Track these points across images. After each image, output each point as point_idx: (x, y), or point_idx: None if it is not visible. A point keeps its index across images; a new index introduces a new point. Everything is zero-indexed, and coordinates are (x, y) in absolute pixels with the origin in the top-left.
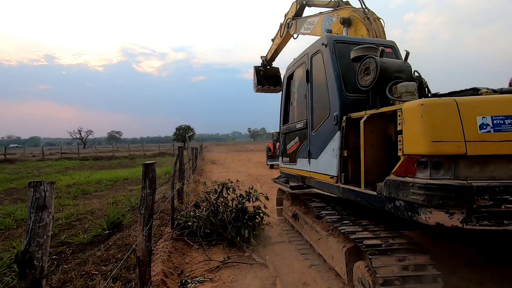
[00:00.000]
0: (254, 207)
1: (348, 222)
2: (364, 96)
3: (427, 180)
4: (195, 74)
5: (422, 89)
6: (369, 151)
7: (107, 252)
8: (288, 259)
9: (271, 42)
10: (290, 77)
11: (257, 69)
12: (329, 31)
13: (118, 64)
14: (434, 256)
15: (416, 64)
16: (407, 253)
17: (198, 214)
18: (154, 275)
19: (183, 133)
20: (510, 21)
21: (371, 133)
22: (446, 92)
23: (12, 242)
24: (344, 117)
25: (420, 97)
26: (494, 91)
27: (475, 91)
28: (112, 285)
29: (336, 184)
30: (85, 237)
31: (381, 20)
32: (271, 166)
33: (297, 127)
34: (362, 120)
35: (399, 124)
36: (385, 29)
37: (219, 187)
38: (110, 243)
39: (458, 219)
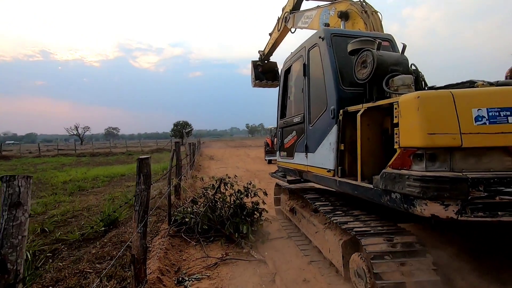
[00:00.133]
0: (252, 202)
1: (341, 212)
2: (361, 90)
3: (422, 172)
4: (192, 69)
5: (419, 82)
6: (366, 145)
7: (102, 250)
8: (288, 255)
9: (269, 37)
10: (287, 71)
11: (254, 64)
12: (327, 25)
13: (115, 60)
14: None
15: (415, 59)
16: (394, 235)
17: (195, 210)
18: (150, 273)
19: (181, 129)
20: (508, 14)
21: (367, 126)
22: (443, 85)
23: None
24: (341, 110)
25: (417, 90)
26: (491, 84)
27: (471, 84)
28: (107, 283)
29: (333, 177)
30: (81, 234)
31: (378, 13)
32: (269, 162)
33: (294, 121)
34: (359, 114)
35: (396, 117)
36: (383, 23)
37: (216, 182)
38: (105, 240)
39: (453, 210)
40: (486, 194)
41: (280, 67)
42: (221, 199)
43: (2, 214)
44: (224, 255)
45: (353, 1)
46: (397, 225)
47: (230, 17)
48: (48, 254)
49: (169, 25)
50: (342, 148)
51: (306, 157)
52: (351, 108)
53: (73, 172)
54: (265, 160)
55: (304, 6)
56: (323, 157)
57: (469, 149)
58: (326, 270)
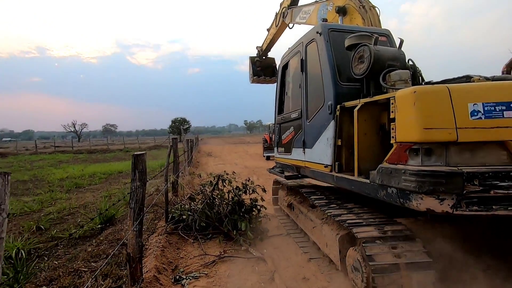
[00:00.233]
0: (251, 199)
1: (335, 206)
2: (358, 85)
3: (418, 167)
4: (190, 66)
5: (416, 77)
6: (363, 140)
7: (98, 248)
8: (287, 253)
9: (267, 32)
10: (285, 67)
11: (252, 60)
12: (325, 20)
13: (112, 56)
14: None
15: (413, 54)
16: (384, 225)
17: (193, 207)
18: (147, 271)
19: (179, 126)
20: (506, 9)
21: (364, 121)
22: (440, 80)
23: None
24: (338, 106)
25: (414, 85)
26: (487, 79)
27: (467, 79)
28: (102, 282)
29: (330, 173)
30: (77, 231)
31: (376, 8)
32: (268, 158)
33: (292, 117)
34: (356, 109)
35: (392, 112)
36: (380, 18)
37: (214, 179)
38: (101, 238)
39: (448, 204)
40: (481, 188)
41: (278, 63)
42: (219, 196)
43: None
44: (222, 253)
45: None
46: (388, 217)
47: (228, 12)
48: (45, 252)
49: (167, 21)
50: (339, 143)
51: (304, 152)
52: (348, 104)
53: (70, 169)
54: (264, 156)
55: (302, 1)
56: (320, 153)
57: (464, 144)
58: (325, 267)
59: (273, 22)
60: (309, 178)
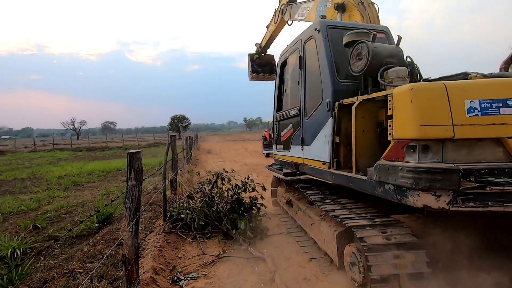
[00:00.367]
0: (250, 197)
1: (330, 201)
2: (356, 82)
3: (415, 164)
4: (190, 63)
5: (414, 74)
6: (361, 137)
7: (94, 248)
8: (287, 252)
9: (266, 29)
10: (283, 64)
11: (251, 57)
12: (324, 17)
13: (111, 53)
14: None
15: (413, 51)
16: (376, 218)
17: (192, 205)
18: (144, 272)
19: (178, 123)
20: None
21: (362, 118)
22: (438, 77)
23: None
24: (336, 103)
25: (412, 82)
26: (484, 76)
27: (465, 76)
28: (97, 284)
29: (328, 170)
30: (74, 231)
31: (375, 5)
32: (267, 155)
33: (290, 114)
34: (354, 106)
35: (390, 109)
36: (379, 15)
37: (213, 177)
38: (98, 237)
39: (445, 201)
40: (477, 184)
41: (277, 60)
42: (218, 194)
43: None
44: (221, 253)
45: None
46: (378, 211)
47: (228, 12)
48: (41, 252)
49: (166, 18)
50: (338, 140)
51: (302, 149)
52: (346, 101)
53: (69, 167)
54: (263, 153)
55: None
56: (318, 150)
57: (461, 141)
58: (327, 268)
59: (272, 19)
60: (307, 175)
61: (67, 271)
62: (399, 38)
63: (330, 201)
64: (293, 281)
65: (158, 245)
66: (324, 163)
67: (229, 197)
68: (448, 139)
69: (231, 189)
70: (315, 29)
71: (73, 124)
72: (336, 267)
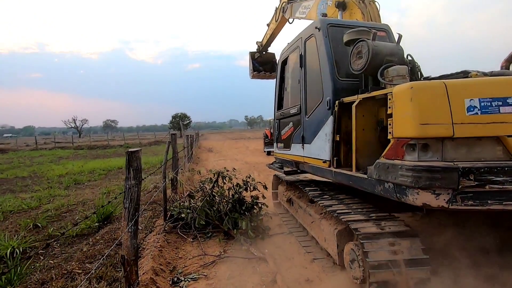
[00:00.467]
0: (252, 196)
1: (328, 197)
2: (357, 81)
3: (415, 162)
4: (190, 61)
5: (414, 73)
6: (361, 135)
7: (94, 248)
8: (289, 252)
9: (267, 27)
10: (284, 62)
11: (252, 55)
12: (324, 15)
13: (112, 52)
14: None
15: (415, 49)
16: (370, 212)
17: (192, 204)
18: (143, 273)
19: (179, 121)
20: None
21: (362, 117)
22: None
23: None
24: (337, 101)
25: (412, 80)
26: (484, 74)
27: (465, 74)
28: (96, 285)
29: (328, 168)
30: (73, 230)
31: (376, 3)
32: (269, 153)
33: (291, 112)
34: (354, 105)
35: (389, 107)
36: (380, 13)
37: (214, 176)
38: (97, 237)
39: (444, 199)
40: (476, 183)
41: (278, 58)
42: (219, 193)
43: None
44: (222, 253)
45: None
46: (374, 206)
47: (227, 7)
48: (40, 251)
49: (167, 16)
50: (338, 139)
51: (303, 148)
52: (347, 99)
53: (70, 165)
54: (264, 151)
55: None
56: (319, 148)
57: (460, 139)
58: (330, 268)
59: (273, 17)
60: (308, 173)
61: (65, 271)
62: (400, 36)
63: (328, 197)
64: (295, 282)
65: (158, 245)
66: (325, 162)
67: (230, 196)
68: (447, 137)
69: (232, 188)
70: (316, 28)
71: (75, 123)
72: (339, 268)
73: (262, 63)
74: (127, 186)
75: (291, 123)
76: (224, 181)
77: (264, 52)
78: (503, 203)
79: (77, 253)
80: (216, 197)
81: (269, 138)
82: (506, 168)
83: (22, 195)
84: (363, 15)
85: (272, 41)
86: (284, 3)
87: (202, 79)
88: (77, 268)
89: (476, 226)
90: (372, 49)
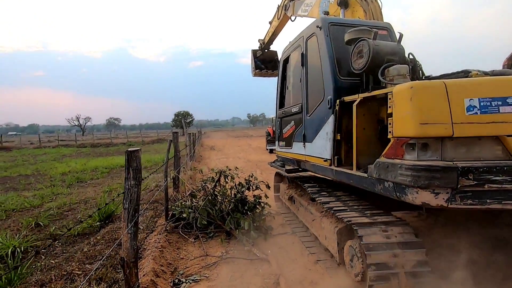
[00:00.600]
0: (254, 196)
1: (326, 193)
2: (358, 80)
3: (414, 162)
4: (193, 59)
5: (416, 72)
6: (361, 134)
7: (94, 248)
8: (292, 253)
9: (269, 25)
10: (286, 61)
11: (254, 53)
12: (326, 13)
13: (115, 50)
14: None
15: (418, 46)
16: (366, 210)
17: (194, 204)
18: (144, 275)
19: (182, 119)
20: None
21: (363, 116)
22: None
23: None
24: (338, 100)
25: (414, 79)
26: (485, 73)
27: (466, 73)
28: (96, 287)
29: (329, 167)
30: (75, 229)
31: (378, 0)
32: (271, 151)
33: (292, 111)
34: (355, 104)
35: (390, 107)
36: (382, 11)
37: (216, 175)
38: (98, 237)
39: (443, 198)
40: (475, 182)
41: (280, 56)
42: (221, 193)
43: None
44: (224, 253)
45: None
46: (370, 203)
47: (229, 5)
48: (42, 250)
49: (168, 15)
50: (339, 138)
51: (304, 146)
52: (348, 98)
53: (73, 163)
54: (267, 149)
55: None
56: (320, 147)
57: (460, 139)
58: (334, 270)
59: (275, 15)
60: (309, 171)
61: (65, 272)
62: (401, 36)
63: (326, 193)
64: (298, 284)
65: (159, 245)
66: (325, 160)
67: (232, 196)
68: (447, 137)
69: (235, 187)
70: (317, 26)
71: (78, 121)
72: (343, 270)
73: (264, 61)
74: (127, 186)
75: (293, 121)
76: (226, 180)
77: (266, 50)
78: (502, 202)
79: (78, 254)
80: (218, 197)
81: (272, 136)
82: (505, 168)
83: (25, 193)
84: (365, 13)
85: (274, 39)
86: (286, 1)
87: (204, 77)
88: (77, 269)
89: (474, 223)
90: (372, 49)
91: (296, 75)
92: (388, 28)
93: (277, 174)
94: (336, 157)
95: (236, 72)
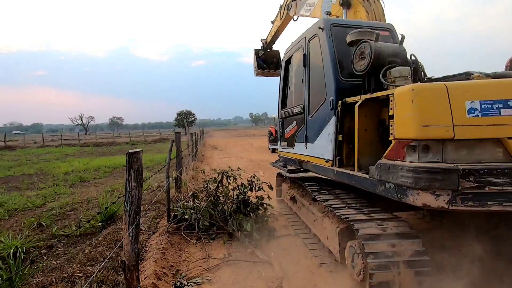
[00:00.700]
0: (257, 197)
1: (325, 191)
2: (359, 81)
3: (415, 163)
4: (195, 58)
5: (418, 73)
6: (363, 136)
7: (95, 249)
8: (295, 256)
9: (271, 25)
10: (288, 61)
11: (257, 53)
12: (329, 13)
13: (118, 49)
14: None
15: (421, 45)
16: (363, 207)
17: (196, 205)
18: (145, 277)
19: (184, 118)
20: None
21: (365, 117)
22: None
23: None
24: (339, 102)
25: (416, 81)
26: (487, 75)
27: (467, 76)
28: None
29: (331, 167)
30: (77, 230)
31: (381, 1)
32: (273, 151)
33: (294, 111)
34: (357, 105)
35: (391, 108)
36: (385, 11)
37: (218, 175)
38: (100, 238)
39: (444, 200)
40: (476, 184)
41: (282, 56)
42: (223, 194)
43: None
44: (227, 255)
45: None
46: (367, 201)
47: (231, 4)
48: (44, 251)
49: (170, 13)
50: (340, 138)
51: (306, 147)
52: (349, 99)
53: (76, 163)
54: (269, 149)
55: None
56: (322, 148)
57: (461, 141)
58: (338, 274)
59: (277, 15)
60: (311, 172)
61: (66, 275)
62: (403, 37)
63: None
64: None
65: (161, 247)
66: (327, 161)
67: (234, 197)
68: (448, 139)
69: (237, 188)
70: (319, 28)
71: (81, 120)
72: (347, 273)
73: (267, 61)
74: (128, 188)
75: (295, 122)
76: (229, 181)
77: (268, 50)
78: (503, 204)
79: (79, 255)
80: (221, 198)
81: (274, 135)
82: (505, 170)
83: (28, 192)
84: (368, 14)
85: (277, 38)
86: (289, 1)
87: (206, 76)
88: (78, 271)
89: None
90: (374, 50)
91: (298, 76)
92: (390, 29)
93: (278, 175)
94: (337, 158)
95: (239, 71)
